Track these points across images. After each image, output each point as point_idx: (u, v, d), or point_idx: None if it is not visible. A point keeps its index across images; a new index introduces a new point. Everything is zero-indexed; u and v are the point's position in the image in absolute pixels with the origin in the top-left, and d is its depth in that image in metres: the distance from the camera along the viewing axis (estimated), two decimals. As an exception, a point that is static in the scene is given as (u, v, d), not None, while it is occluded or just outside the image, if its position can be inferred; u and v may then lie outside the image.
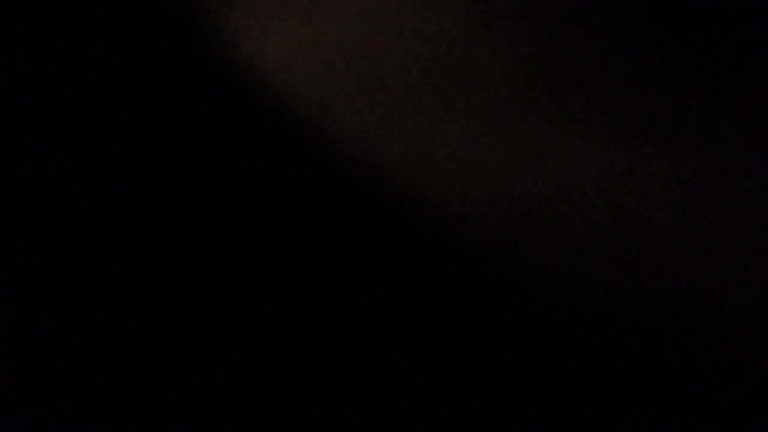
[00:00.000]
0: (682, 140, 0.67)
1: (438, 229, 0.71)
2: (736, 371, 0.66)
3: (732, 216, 0.66)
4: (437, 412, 0.68)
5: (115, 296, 0.72)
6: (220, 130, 0.75)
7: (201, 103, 0.75)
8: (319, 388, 0.69)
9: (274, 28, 0.74)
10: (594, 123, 0.69)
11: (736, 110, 0.67)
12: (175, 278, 0.72)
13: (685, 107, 0.67)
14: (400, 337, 0.70)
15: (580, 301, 0.68)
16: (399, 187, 0.72)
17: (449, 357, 0.69)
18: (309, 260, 0.72)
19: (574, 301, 0.68)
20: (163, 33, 0.76)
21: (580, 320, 0.68)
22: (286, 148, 0.74)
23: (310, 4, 0.73)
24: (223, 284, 0.72)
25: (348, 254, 0.72)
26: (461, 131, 0.71)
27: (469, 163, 0.70)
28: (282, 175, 0.74)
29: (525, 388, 0.68)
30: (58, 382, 0.70)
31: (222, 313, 0.71)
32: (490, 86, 0.70)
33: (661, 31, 0.67)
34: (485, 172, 0.70)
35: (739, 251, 0.66)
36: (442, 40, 0.71)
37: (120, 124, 0.76)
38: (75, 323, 0.71)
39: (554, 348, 0.68)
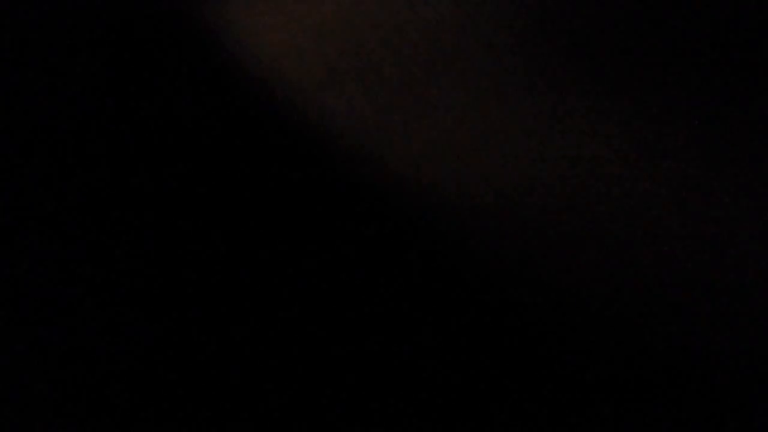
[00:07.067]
0: (685, 137, 0.67)
1: (437, 217, 0.71)
2: (736, 368, 0.66)
3: (734, 213, 0.66)
4: (438, 409, 0.68)
5: (112, 294, 0.72)
6: (216, 119, 0.75)
7: (197, 93, 0.75)
8: (318, 379, 0.69)
9: (273, 19, 0.74)
10: (595, 116, 0.68)
11: (740, 109, 0.66)
12: (173, 274, 0.72)
13: (689, 104, 0.67)
14: (395, 329, 0.70)
15: (579, 293, 0.68)
16: (395, 175, 0.71)
17: (447, 348, 0.69)
18: (302, 247, 0.72)
19: (573, 292, 0.68)
20: (160, 24, 0.76)
21: (579, 311, 0.68)
22: (279, 136, 0.74)
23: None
24: (224, 279, 0.72)
25: (342, 243, 0.72)
26: (461, 122, 0.71)
27: (469, 154, 0.70)
28: (275, 162, 0.74)
29: (523, 379, 0.68)
30: (58, 382, 0.70)
31: (221, 308, 0.71)
32: (491, 79, 0.70)
33: (667, 29, 0.67)
34: (485, 163, 0.70)
35: (741, 248, 0.66)
36: (441, 29, 0.71)
37: (115, 119, 0.75)
38: (76, 323, 0.71)
39: (553, 338, 0.68)
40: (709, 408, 0.66)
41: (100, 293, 0.72)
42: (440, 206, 0.71)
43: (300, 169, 0.73)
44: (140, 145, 0.75)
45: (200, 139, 0.75)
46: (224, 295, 0.72)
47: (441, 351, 0.69)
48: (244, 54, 0.75)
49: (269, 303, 0.71)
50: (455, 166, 0.71)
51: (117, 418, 0.69)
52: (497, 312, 0.69)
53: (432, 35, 0.71)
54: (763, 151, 0.66)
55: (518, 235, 0.69)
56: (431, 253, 0.71)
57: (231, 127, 0.75)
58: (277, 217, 0.73)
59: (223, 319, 0.71)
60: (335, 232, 0.72)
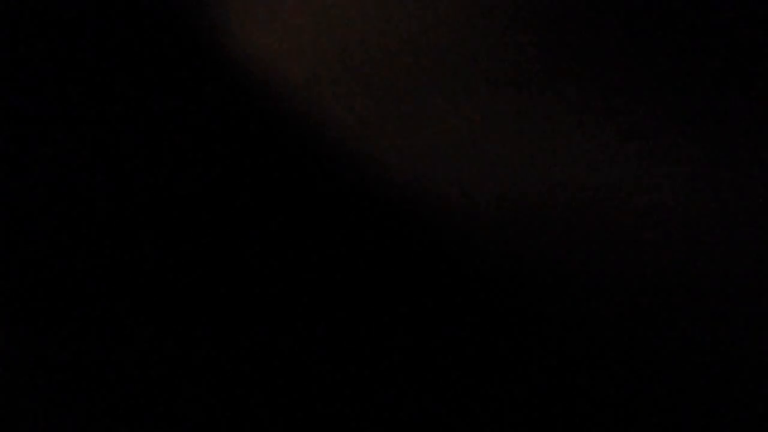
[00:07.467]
0: (687, 134, 0.67)
1: (436, 222, 0.71)
2: (737, 368, 0.66)
3: (737, 211, 0.66)
4: (439, 409, 0.69)
5: (110, 294, 0.72)
6: (214, 120, 0.75)
7: (191, 92, 0.75)
8: (317, 383, 0.70)
9: (269, 17, 0.74)
10: (597, 116, 0.68)
11: (741, 104, 0.67)
12: (172, 275, 0.72)
13: (689, 101, 0.67)
14: (395, 332, 0.70)
15: (581, 296, 0.68)
16: (395, 180, 0.72)
17: (448, 352, 0.69)
18: (303, 253, 0.72)
19: (576, 295, 0.68)
20: (154, 23, 0.76)
21: (582, 315, 0.68)
22: (279, 139, 0.74)
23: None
24: (221, 282, 0.72)
25: (343, 248, 0.72)
26: (459, 123, 0.71)
27: (468, 156, 0.70)
28: (277, 166, 0.74)
29: (526, 382, 0.68)
30: (57, 381, 0.70)
31: (218, 310, 0.71)
32: (489, 78, 0.70)
33: (665, 25, 0.67)
34: (485, 165, 0.70)
35: (743, 247, 0.66)
36: (441, 30, 0.71)
37: (109, 118, 0.76)
38: (74, 322, 0.72)
39: (555, 342, 0.68)
40: (708, 408, 0.66)
41: (98, 293, 0.72)
42: (440, 206, 0.71)
43: (299, 168, 0.73)
44: (139, 144, 0.75)
45: (199, 138, 0.75)
46: (223, 296, 0.72)
47: (438, 351, 0.69)
48: (243, 54, 0.75)
49: (267, 303, 0.71)
50: (455, 166, 0.71)
51: (116, 418, 0.69)
52: (497, 312, 0.69)
53: (432, 36, 0.71)
54: (763, 150, 0.66)
55: (518, 235, 0.69)
56: (430, 253, 0.71)
57: (230, 126, 0.75)
58: (275, 216, 0.73)
59: (221, 321, 0.71)
60: (334, 231, 0.72)
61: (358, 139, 0.72)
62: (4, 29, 0.76)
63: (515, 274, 0.69)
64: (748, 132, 0.66)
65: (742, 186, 0.66)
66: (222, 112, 0.75)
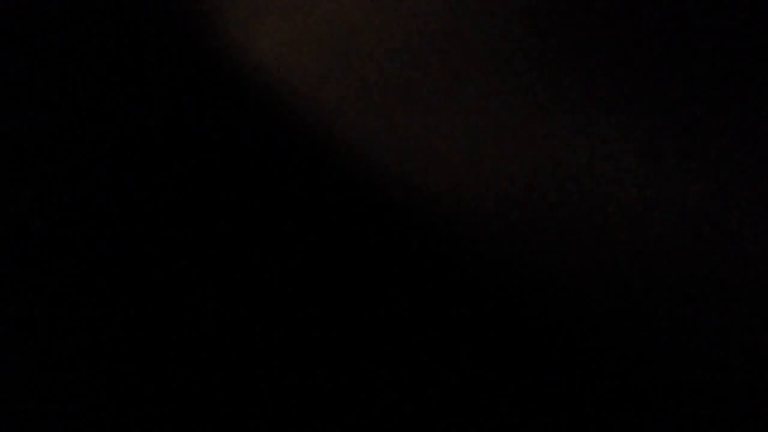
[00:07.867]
0: (683, 129, 0.67)
1: (436, 220, 0.71)
2: (736, 365, 0.66)
3: (733, 205, 0.66)
4: (438, 408, 0.68)
5: (111, 295, 0.72)
6: (216, 122, 0.75)
7: (197, 96, 0.75)
8: (318, 384, 0.69)
9: (271, 22, 0.74)
10: (594, 115, 0.68)
11: (738, 98, 0.67)
12: (173, 276, 0.72)
13: (684, 96, 0.67)
14: (395, 332, 0.70)
15: (578, 291, 0.68)
16: (395, 179, 0.72)
17: (448, 351, 0.69)
18: (304, 253, 0.72)
19: (573, 290, 0.68)
20: (159, 27, 0.76)
21: (578, 310, 0.68)
22: (281, 141, 0.74)
23: None
24: (221, 283, 0.72)
25: (345, 248, 0.72)
26: (459, 123, 0.71)
27: (467, 155, 0.70)
28: (278, 168, 0.74)
29: (525, 380, 0.68)
30: (57, 381, 0.70)
31: (219, 312, 0.71)
32: (488, 78, 0.70)
33: (660, 20, 0.67)
34: (484, 163, 0.70)
35: (740, 241, 0.66)
36: (440, 33, 0.71)
37: (116, 121, 0.75)
38: (75, 322, 0.71)
39: (553, 338, 0.68)
40: (708, 408, 0.65)
41: (97, 295, 0.72)
42: (439, 207, 0.71)
43: (298, 170, 0.73)
44: (138, 146, 0.75)
45: (198, 139, 0.75)
46: (222, 297, 0.72)
47: (438, 352, 0.69)
48: (242, 55, 0.75)
49: (267, 304, 0.71)
50: (454, 166, 0.71)
51: (116, 417, 0.69)
52: (496, 313, 0.69)
53: (432, 38, 0.71)
54: (763, 151, 0.66)
55: (518, 236, 0.69)
56: (429, 253, 0.71)
57: (229, 127, 0.75)
58: (274, 216, 0.73)
59: (220, 322, 0.71)
60: (333, 232, 0.72)
61: (362, 142, 0.72)
62: (4, 29, 0.76)
63: (513, 272, 0.69)
64: (749, 132, 0.66)
65: (743, 186, 0.66)
66: (228, 117, 0.75)
